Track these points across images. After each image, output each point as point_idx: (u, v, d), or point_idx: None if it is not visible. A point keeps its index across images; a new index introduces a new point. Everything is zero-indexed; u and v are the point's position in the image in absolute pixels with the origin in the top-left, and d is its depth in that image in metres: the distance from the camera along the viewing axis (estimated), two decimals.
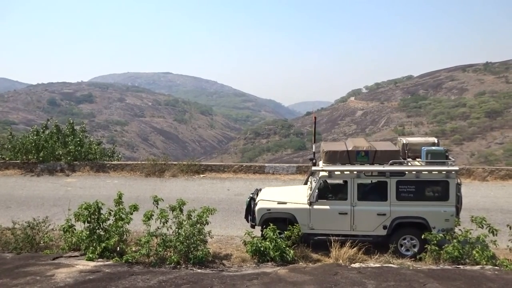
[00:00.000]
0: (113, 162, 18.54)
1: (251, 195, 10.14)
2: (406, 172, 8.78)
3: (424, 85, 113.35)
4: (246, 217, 10.00)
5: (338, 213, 8.94)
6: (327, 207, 9.02)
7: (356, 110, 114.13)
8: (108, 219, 8.92)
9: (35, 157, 18.46)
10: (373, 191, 9.05)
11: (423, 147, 9.15)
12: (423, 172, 8.76)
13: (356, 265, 7.78)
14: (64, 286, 6.56)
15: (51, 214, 11.55)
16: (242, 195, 13.71)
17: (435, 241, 8.24)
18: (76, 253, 8.58)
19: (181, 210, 8.70)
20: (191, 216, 8.62)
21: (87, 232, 8.67)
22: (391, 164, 8.86)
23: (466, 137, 73.13)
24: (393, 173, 8.78)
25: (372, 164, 8.98)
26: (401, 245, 8.86)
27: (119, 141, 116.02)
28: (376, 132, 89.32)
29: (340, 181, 9.23)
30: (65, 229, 8.98)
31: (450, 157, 9.00)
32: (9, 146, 18.99)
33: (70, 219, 9.02)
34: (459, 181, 8.89)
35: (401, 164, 8.96)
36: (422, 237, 8.46)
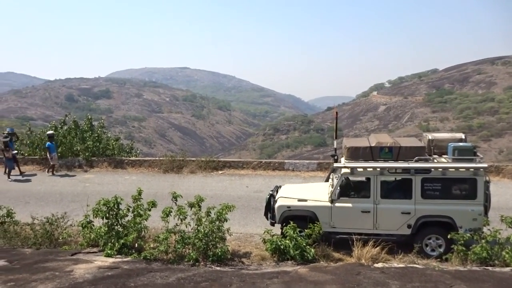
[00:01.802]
0: (131, 158, 18.81)
1: (270, 192, 10.14)
2: (432, 169, 8.64)
3: (450, 79, 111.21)
4: (266, 215, 10.01)
5: (361, 211, 8.87)
6: (349, 205, 8.95)
7: (379, 105, 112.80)
8: (127, 216, 9.03)
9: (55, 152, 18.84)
10: (397, 189, 8.94)
11: (449, 143, 8.99)
12: (449, 169, 8.61)
13: (379, 265, 7.70)
14: (83, 282, 6.68)
15: (69, 210, 11.78)
16: (261, 192, 13.73)
17: (462, 241, 8.08)
18: (95, 249, 8.73)
19: (199, 207, 8.75)
20: (210, 213, 8.66)
21: (106, 228, 8.80)
22: (416, 161, 8.74)
23: (495, 133, 71.50)
24: (418, 170, 8.65)
25: (396, 160, 8.87)
26: (426, 245, 8.74)
27: (137, 137, 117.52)
28: (400, 128, 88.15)
29: (363, 178, 9.16)
30: (83, 225, 9.14)
31: (478, 154, 8.82)
32: (28, 142, 19.44)
33: (89, 215, 9.17)
34: (487, 178, 8.70)
35: (426, 161, 8.83)
36: (449, 237, 8.32)
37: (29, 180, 16.50)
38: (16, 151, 17.95)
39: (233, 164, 17.50)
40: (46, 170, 17.60)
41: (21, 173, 17.30)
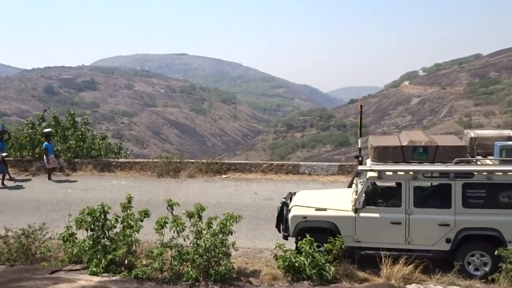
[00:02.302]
0: (120, 160, 18.90)
1: (283, 200, 10.13)
2: (475, 173, 8.57)
3: (496, 66, 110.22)
4: (278, 226, 10.00)
5: (390, 223, 8.82)
6: (376, 215, 8.91)
7: (411, 97, 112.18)
8: (115, 227, 9.07)
9: (30, 153, 18.99)
10: (433, 196, 8.88)
11: (496, 142, 8.91)
12: (496, 173, 8.53)
13: (413, 286, 7.65)
14: None
15: (48, 220, 11.86)
16: (272, 200, 13.74)
17: None
18: (78, 266, 8.77)
19: (200, 217, 8.75)
20: (212, 224, 8.66)
21: (91, 242, 8.85)
22: (456, 163, 8.67)
23: None
24: (459, 174, 8.58)
25: (432, 162, 8.81)
26: (469, 263, 8.66)
27: (127, 135, 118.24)
28: (437, 124, 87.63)
29: (393, 184, 9.08)
30: (65, 238, 9.19)
31: None
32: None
33: (71, 226, 9.22)
34: None
35: (468, 163, 8.76)
36: (495, 253, 8.23)
37: (5, 186, 16.65)
38: (5, 153, 17.91)
39: (239, 166, 17.54)
40: (47, 177, 17.57)
41: (11, 178, 17.44)
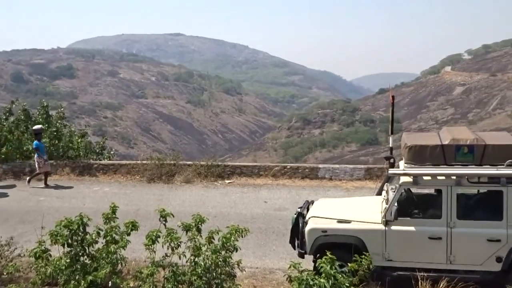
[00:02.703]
0: (102, 162, 18.97)
1: (299, 210, 10.13)
2: None
3: None
4: (292, 242, 10.00)
5: (428, 238, 8.79)
6: (412, 228, 8.88)
7: (454, 86, 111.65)
8: (97, 242, 9.10)
9: None
10: (480, 206, 8.84)
11: None
12: None
13: None
14: None
15: (17, 233, 11.93)
16: (285, 210, 13.76)
17: None
18: None
19: (198, 231, 8.77)
20: (213, 239, 8.67)
21: (68, 260, 8.87)
22: (509, 166, 8.62)
23: None
24: None
25: (479, 165, 8.76)
26: None
27: (111, 132, 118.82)
28: (485, 118, 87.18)
29: (431, 191, 9.03)
30: (37, 255, 9.22)
31: None
32: None
33: (44, 241, 9.25)
34: None
35: None
36: None
37: None
38: None
39: (246, 170, 17.60)
40: (28, 179, 17.57)
41: None
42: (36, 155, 17.25)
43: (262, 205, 14.49)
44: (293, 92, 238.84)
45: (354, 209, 9.80)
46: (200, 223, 8.85)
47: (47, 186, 17.17)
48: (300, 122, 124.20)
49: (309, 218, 9.70)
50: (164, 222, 8.92)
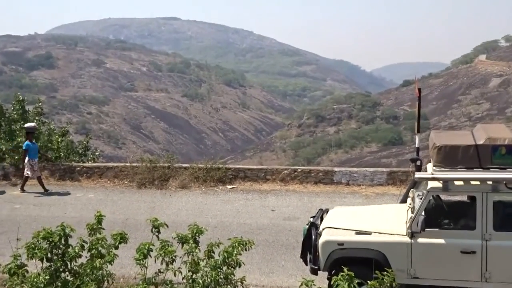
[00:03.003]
0: (86, 165, 19.02)
1: (311, 220, 10.12)
2: None
3: None
4: (303, 256, 9.99)
5: (460, 252, 8.77)
6: (441, 241, 8.86)
7: (490, 77, 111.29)
8: (80, 256, 9.10)
9: None
10: None
11: None
12: None
13: None
14: None
15: None
16: (296, 220, 13.79)
17: None
18: None
19: (196, 243, 8.77)
20: (213, 253, 8.68)
21: (47, 277, 8.88)
22: None
23: None
24: None
25: None
26: None
27: (96, 130, 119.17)
28: None
29: (464, 198, 9.01)
30: (11, 271, 9.22)
31: None
32: None
33: (20, 255, 9.27)
34: None
35: None
36: None
37: None
38: None
39: (250, 174, 17.64)
40: (20, 187, 17.49)
41: None
42: (27, 158, 17.16)
43: (269, 214, 14.50)
44: (305, 84, 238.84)
45: (375, 218, 9.79)
46: (198, 234, 8.85)
47: (23, 191, 17.18)
48: (312, 118, 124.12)
49: (323, 229, 9.69)
50: (157, 234, 8.93)
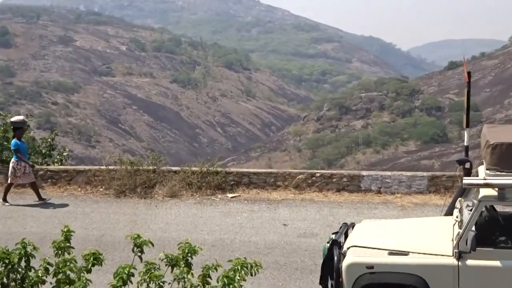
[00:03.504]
0: (51, 168, 19.05)
1: (333, 237, 10.13)
2: None
3: None
4: (324, 282, 9.99)
5: None
6: (496, 263, 8.85)
7: None
8: (44, 282, 9.13)
9: None
10: None
11: None
12: None
13: None
14: None
15: None
16: (313, 237, 13.79)
17: None
18: None
19: (188, 266, 8.78)
20: (210, 278, 8.70)
21: None
22: None
23: None
24: None
25: None
26: None
27: (63, 124, 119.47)
28: None
29: None
30: None
31: None
32: None
33: None
34: None
35: None
36: None
37: None
38: None
39: (257, 179, 17.68)
40: (2, 197, 17.27)
41: None
42: (13, 159, 17.05)
43: (280, 230, 14.49)
44: (325, 67, 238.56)
45: (412, 235, 9.78)
46: (191, 255, 8.86)
47: (41, 200, 17.09)
48: (334, 110, 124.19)
49: (348, 248, 9.69)
50: (139, 254, 8.94)
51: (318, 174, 17.49)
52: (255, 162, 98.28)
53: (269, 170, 18.26)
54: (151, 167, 17.99)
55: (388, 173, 17.42)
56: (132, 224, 14.79)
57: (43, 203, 16.98)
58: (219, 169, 17.92)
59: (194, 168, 17.87)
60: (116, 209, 16.46)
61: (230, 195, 17.06)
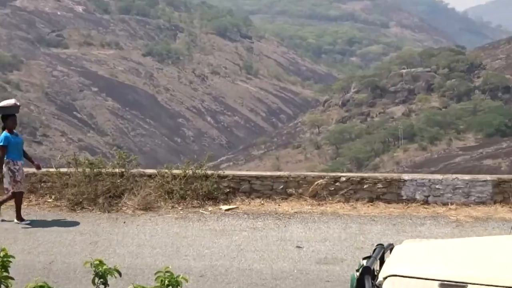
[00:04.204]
0: None
1: (364, 264, 10.12)
2: None
3: None
4: None
5: None
6: None
7: None
8: None
9: None
10: None
11: None
12: None
13: None
14: None
15: None
16: (337, 263, 13.74)
17: None
18: None
19: None
20: None
21: None
22: None
23: None
24: None
25: None
26: None
27: None
28: None
29: None
30: None
31: None
32: None
33: None
34: None
35: None
36: None
37: None
38: None
39: (261, 185, 17.74)
40: (16, 216, 17.05)
41: None
42: (6, 158, 16.85)
43: (292, 254, 14.45)
44: (353, 33, 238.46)
45: (472, 260, 9.76)
46: (173, 287, 8.91)
47: (21, 220, 17.03)
48: (365, 92, 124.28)
49: (385, 278, 9.67)
50: (102, 287, 8.99)
51: (343, 179, 17.48)
52: (258, 163, 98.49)
53: (278, 173, 18.23)
54: (117, 170, 17.99)
55: (439, 176, 17.39)
56: (92, 246, 14.77)
57: None
58: (209, 172, 17.92)
59: (175, 171, 17.87)
60: (70, 226, 16.47)
61: (224, 207, 17.05)
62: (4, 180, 16.81)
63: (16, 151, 16.99)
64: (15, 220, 16.76)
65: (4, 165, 16.69)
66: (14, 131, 17.21)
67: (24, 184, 17.19)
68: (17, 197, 16.91)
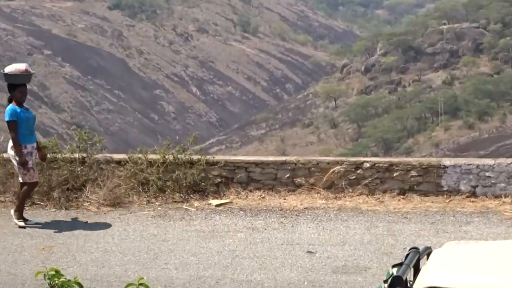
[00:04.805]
0: None
1: (393, 272, 10.18)
2: None
3: None
4: None
5: None
6: None
7: None
8: None
9: None
10: None
11: None
12: None
13: None
14: None
15: None
16: (360, 272, 13.78)
17: None
18: None
19: None
20: None
21: None
22: None
23: None
24: None
25: None
26: None
27: None
28: None
29: None
30: None
31: None
32: None
33: None
34: None
35: None
36: None
37: None
38: None
39: (261, 173, 17.79)
40: (14, 210, 17.33)
41: None
42: (10, 145, 16.87)
43: (302, 261, 14.50)
44: None
45: None
46: None
47: (25, 221, 17.02)
48: (395, 54, 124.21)
49: None
50: None
51: (367, 165, 17.50)
52: (257, 146, 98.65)
53: (283, 158, 18.24)
54: (77, 155, 17.98)
55: (490, 161, 17.38)
56: (46, 253, 14.81)
57: None
58: (195, 158, 17.93)
59: (152, 156, 17.89)
60: (16, 228, 16.50)
61: (214, 202, 17.08)
62: (18, 170, 16.72)
63: (26, 129, 16.79)
64: (12, 213, 16.69)
65: (9, 148, 16.74)
66: (24, 104, 17.07)
67: (34, 174, 16.70)
68: (28, 188, 16.73)
